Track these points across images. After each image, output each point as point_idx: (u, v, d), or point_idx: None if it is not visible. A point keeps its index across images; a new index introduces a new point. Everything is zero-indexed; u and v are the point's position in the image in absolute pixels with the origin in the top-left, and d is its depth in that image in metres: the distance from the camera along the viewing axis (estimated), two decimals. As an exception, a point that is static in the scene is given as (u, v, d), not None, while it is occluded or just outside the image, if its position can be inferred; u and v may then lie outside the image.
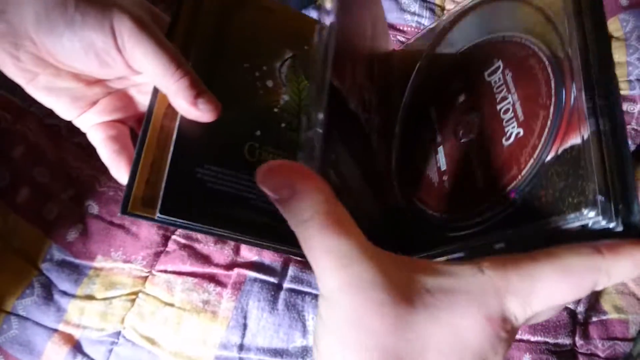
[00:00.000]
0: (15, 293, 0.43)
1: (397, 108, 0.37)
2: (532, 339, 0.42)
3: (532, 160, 0.25)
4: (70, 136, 0.50)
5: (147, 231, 0.46)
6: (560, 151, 0.24)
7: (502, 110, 0.28)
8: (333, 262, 0.20)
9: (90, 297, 0.44)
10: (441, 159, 0.31)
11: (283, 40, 0.36)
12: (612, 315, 0.44)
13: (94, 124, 0.34)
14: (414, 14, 0.60)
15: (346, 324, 0.19)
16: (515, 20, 0.30)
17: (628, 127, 0.49)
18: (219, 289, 0.44)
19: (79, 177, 0.48)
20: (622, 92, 0.52)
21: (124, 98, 0.35)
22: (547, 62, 0.27)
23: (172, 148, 0.30)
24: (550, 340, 0.42)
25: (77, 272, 0.45)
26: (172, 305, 0.44)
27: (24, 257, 0.45)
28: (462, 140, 0.30)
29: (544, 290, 0.20)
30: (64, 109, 0.33)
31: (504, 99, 0.29)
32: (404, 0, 0.61)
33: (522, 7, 0.30)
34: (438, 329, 0.19)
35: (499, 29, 0.31)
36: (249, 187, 0.31)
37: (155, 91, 0.32)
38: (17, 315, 0.43)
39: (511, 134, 0.27)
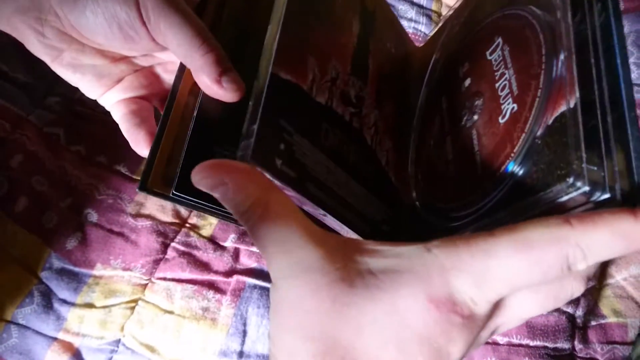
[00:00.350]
0: (15, 302, 0.43)
1: (414, 105, 0.37)
2: (531, 343, 0.42)
3: (523, 135, 0.23)
4: (69, 144, 0.50)
5: (146, 239, 0.47)
6: (550, 121, 0.22)
7: (500, 88, 0.27)
8: (275, 248, 0.20)
9: (89, 305, 0.44)
10: (449, 149, 0.30)
11: None
12: (611, 319, 0.44)
13: (117, 101, 0.34)
14: (410, 20, 0.61)
15: (287, 307, 0.20)
16: None
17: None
18: (218, 295, 0.45)
19: (77, 185, 0.48)
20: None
21: (150, 76, 0.35)
22: (539, 29, 0.25)
23: (191, 125, 0.30)
24: (550, 344, 0.42)
25: (76, 280, 0.45)
26: (171, 312, 0.44)
27: (24, 266, 0.45)
28: (465, 126, 0.29)
29: (500, 267, 0.18)
30: (89, 87, 0.33)
31: (502, 75, 0.27)
32: (400, 7, 0.61)
33: None
34: (377, 310, 0.18)
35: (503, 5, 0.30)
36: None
37: (182, 67, 0.31)
38: (17, 324, 0.43)
39: (506, 110, 0.26)
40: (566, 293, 0.21)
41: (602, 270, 0.47)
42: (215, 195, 0.22)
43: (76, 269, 0.45)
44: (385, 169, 0.33)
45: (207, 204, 0.30)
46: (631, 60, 0.54)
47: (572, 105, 0.21)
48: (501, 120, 0.26)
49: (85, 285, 0.45)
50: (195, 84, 0.31)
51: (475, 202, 0.26)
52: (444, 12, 0.62)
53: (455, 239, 0.19)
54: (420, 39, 0.60)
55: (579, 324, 0.44)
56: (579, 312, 0.44)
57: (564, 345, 0.43)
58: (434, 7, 0.62)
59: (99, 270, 0.46)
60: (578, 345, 0.43)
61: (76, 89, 0.53)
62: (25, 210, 0.46)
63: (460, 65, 0.33)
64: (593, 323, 0.44)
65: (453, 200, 0.28)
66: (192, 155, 0.29)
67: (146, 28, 0.28)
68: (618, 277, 0.46)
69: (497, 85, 0.27)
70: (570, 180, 0.19)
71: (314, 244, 0.20)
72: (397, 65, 0.38)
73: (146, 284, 0.45)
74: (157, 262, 0.46)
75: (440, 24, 0.40)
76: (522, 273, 0.18)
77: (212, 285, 0.45)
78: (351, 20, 0.33)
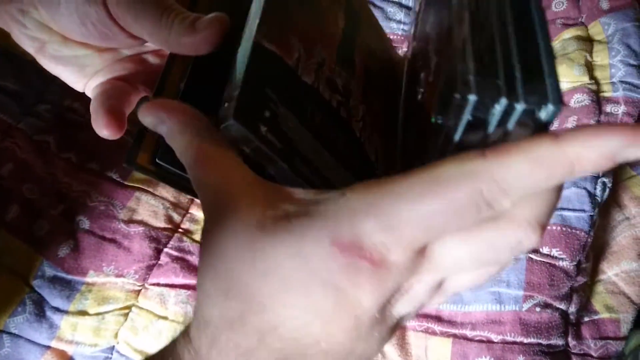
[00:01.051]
0: (7, 311, 0.43)
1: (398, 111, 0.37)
2: (525, 340, 0.43)
3: (438, 82, 0.22)
4: (60, 151, 0.50)
5: (139, 245, 0.46)
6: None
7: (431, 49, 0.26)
8: (205, 192, 0.20)
9: (82, 313, 0.44)
10: (412, 135, 0.29)
11: None
12: (604, 315, 0.44)
13: (95, 85, 0.32)
14: (399, 22, 0.61)
15: (206, 252, 0.20)
16: None
17: (613, 128, 0.50)
18: (212, 300, 0.44)
19: (69, 192, 0.48)
20: (605, 95, 0.53)
21: (136, 61, 0.33)
22: None
23: (179, 97, 0.28)
24: (543, 341, 0.43)
25: (69, 288, 0.45)
26: (165, 318, 0.44)
27: (16, 274, 0.45)
28: (417, 104, 0.28)
29: (410, 210, 0.17)
30: (73, 79, 0.32)
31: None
32: (389, 9, 0.62)
33: None
34: (283, 254, 0.18)
35: None
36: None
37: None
38: (9, 334, 0.43)
39: (433, 66, 0.24)
40: (506, 241, 0.19)
41: (594, 266, 0.47)
42: (161, 133, 0.22)
43: (69, 277, 0.45)
44: (375, 164, 0.33)
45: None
46: (618, 58, 0.55)
47: (466, 31, 0.19)
48: (430, 79, 0.24)
49: (78, 293, 0.45)
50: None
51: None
52: (433, 13, 0.63)
53: (370, 183, 0.18)
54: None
55: (572, 320, 0.44)
56: (572, 309, 0.44)
57: (557, 341, 0.43)
58: (422, 8, 0.63)
59: (91, 278, 0.45)
60: (572, 342, 0.43)
61: (65, 96, 0.53)
62: (17, 218, 0.46)
63: (418, 52, 0.33)
64: (586, 319, 0.45)
65: None
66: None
67: (118, 25, 0.27)
68: (610, 272, 0.46)
69: (429, 47, 0.26)
70: (458, 96, 0.17)
71: (241, 191, 0.20)
72: (384, 67, 0.38)
73: (139, 290, 0.45)
74: (150, 268, 0.46)
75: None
76: (436, 216, 0.17)
77: (206, 290, 0.45)
78: (337, 13, 0.33)
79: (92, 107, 0.31)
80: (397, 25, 0.61)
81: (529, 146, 0.17)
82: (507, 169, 0.17)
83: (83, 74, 0.32)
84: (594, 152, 0.16)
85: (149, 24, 0.27)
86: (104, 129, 0.30)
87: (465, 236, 0.19)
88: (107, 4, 0.27)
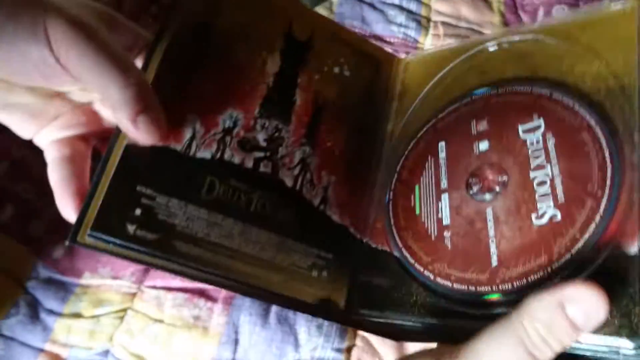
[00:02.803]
0: (0, 313, 0.43)
1: (384, 131, 0.35)
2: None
3: (568, 255, 0.22)
4: (56, 151, 0.50)
5: (136, 247, 0.46)
6: (604, 255, 0.21)
7: (537, 181, 0.25)
8: None
9: (77, 315, 0.44)
10: (444, 210, 0.28)
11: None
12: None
13: (51, 141, 0.31)
14: (400, 25, 0.61)
15: None
16: (568, 73, 0.26)
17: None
18: (209, 304, 0.44)
19: (65, 192, 0.48)
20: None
21: (88, 112, 0.31)
22: (604, 143, 0.23)
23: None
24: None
25: (63, 289, 0.44)
26: (161, 321, 0.43)
27: (9, 276, 0.44)
28: (475, 198, 0.27)
29: None
30: (20, 127, 0.30)
31: (540, 167, 0.25)
32: (390, 12, 0.61)
33: (585, 57, 0.26)
34: None
35: (547, 77, 0.27)
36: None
37: None
38: (2, 336, 0.42)
39: (544, 213, 0.24)
40: None
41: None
42: None
43: (63, 278, 0.45)
44: (319, 209, 0.32)
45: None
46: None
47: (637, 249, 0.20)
48: (536, 222, 0.24)
49: (73, 295, 0.44)
50: None
51: (479, 291, 0.25)
52: (433, 17, 0.62)
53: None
54: (409, 44, 0.60)
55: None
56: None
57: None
58: (423, 12, 0.62)
59: (86, 279, 0.45)
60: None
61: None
62: (11, 218, 0.46)
63: (474, 117, 0.30)
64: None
65: (442, 274, 0.27)
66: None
67: (60, 64, 0.25)
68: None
69: (532, 175, 0.25)
70: (622, 340, 0.19)
71: None
72: (354, 87, 0.36)
73: (135, 293, 0.45)
74: (146, 270, 0.45)
75: (451, 44, 0.36)
76: None
77: (203, 293, 0.45)
78: (264, 60, 0.32)
79: (57, 178, 0.29)
80: (397, 29, 0.60)
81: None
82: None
83: (33, 122, 0.30)
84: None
85: (95, 70, 0.25)
86: (71, 212, 0.29)
87: None
88: (50, 41, 0.25)
